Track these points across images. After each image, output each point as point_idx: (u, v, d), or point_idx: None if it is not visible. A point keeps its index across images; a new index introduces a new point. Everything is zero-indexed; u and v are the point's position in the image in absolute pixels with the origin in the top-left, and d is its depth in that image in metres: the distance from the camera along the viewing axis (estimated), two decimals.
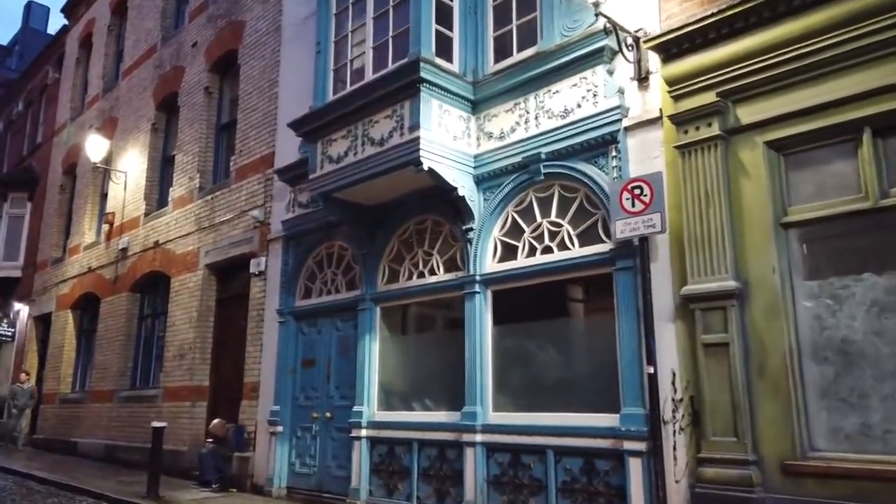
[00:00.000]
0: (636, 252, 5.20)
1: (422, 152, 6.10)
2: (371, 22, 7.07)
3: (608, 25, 5.34)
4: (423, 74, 6.14)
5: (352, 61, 7.26)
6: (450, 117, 6.45)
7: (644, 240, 5.09)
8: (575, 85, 5.85)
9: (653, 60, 5.37)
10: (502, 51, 6.68)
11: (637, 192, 5.08)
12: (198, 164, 11.22)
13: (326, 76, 7.47)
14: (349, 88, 7.06)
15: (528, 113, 6.18)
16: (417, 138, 6.13)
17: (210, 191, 10.75)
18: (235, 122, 10.90)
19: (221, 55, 11.35)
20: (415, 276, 7.14)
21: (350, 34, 7.35)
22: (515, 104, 6.30)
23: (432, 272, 6.96)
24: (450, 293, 6.74)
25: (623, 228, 5.13)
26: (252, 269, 9.29)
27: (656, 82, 5.35)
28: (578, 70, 5.82)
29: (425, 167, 6.12)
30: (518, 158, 6.16)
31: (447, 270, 6.83)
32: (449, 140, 6.35)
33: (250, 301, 9.30)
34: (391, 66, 6.59)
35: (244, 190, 9.92)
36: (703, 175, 4.85)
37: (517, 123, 6.26)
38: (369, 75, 6.93)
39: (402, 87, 6.30)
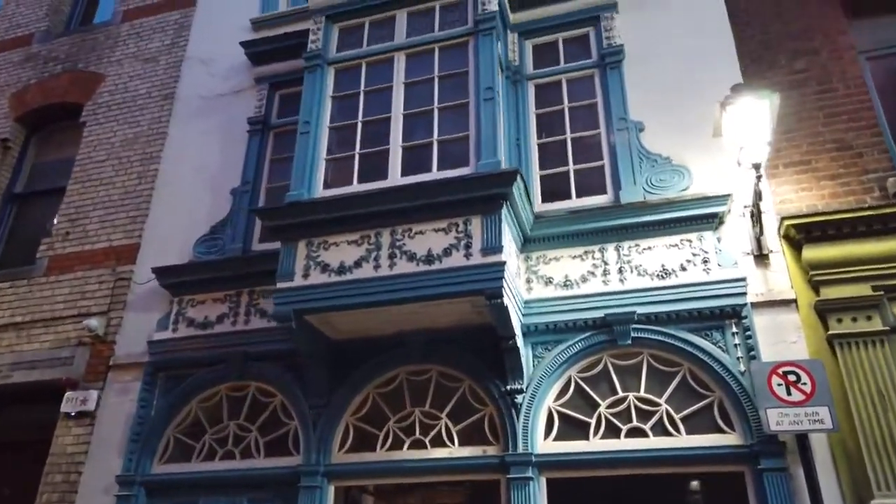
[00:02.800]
0: (786, 450, 4.40)
1: (504, 282, 4.72)
2: (401, 118, 5.74)
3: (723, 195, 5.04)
4: (513, 190, 4.96)
5: (363, 155, 5.69)
6: (513, 248, 5.25)
7: (803, 437, 4.34)
8: (674, 245, 5.23)
9: (772, 237, 5.07)
10: (555, 192, 5.87)
11: (792, 378, 4.42)
12: None
13: (315, 164, 5.72)
14: (374, 185, 5.42)
15: (606, 264, 5.30)
16: (500, 264, 4.76)
17: None
18: (40, 193, 7.88)
19: (43, 106, 8.37)
20: (406, 447, 5.22)
21: (360, 124, 5.85)
22: (586, 251, 5.39)
23: (440, 443, 5.16)
24: (476, 475, 5.00)
25: (780, 420, 4.33)
26: (66, 407, 6.07)
27: (779, 260, 5.01)
28: (678, 231, 5.25)
29: (504, 301, 4.72)
30: (595, 314, 5.13)
31: (465, 443, 5.12)
32: (512, 275, 5.08)
33: (52, 457, 5.93)
34: (455, 172, 5.26)
35: (65, 288, 6.81)
36: (871, 372, 4.43)
37: (591, 273, 5.31)
38: (397, 176, 5.45)
39: (476, 199, 4.99)
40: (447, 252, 4.93)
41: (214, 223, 6.66)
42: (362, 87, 6.05)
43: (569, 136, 6.07)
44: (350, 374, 5.52)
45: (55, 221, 7.31)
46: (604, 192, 5.71)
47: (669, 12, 6.31)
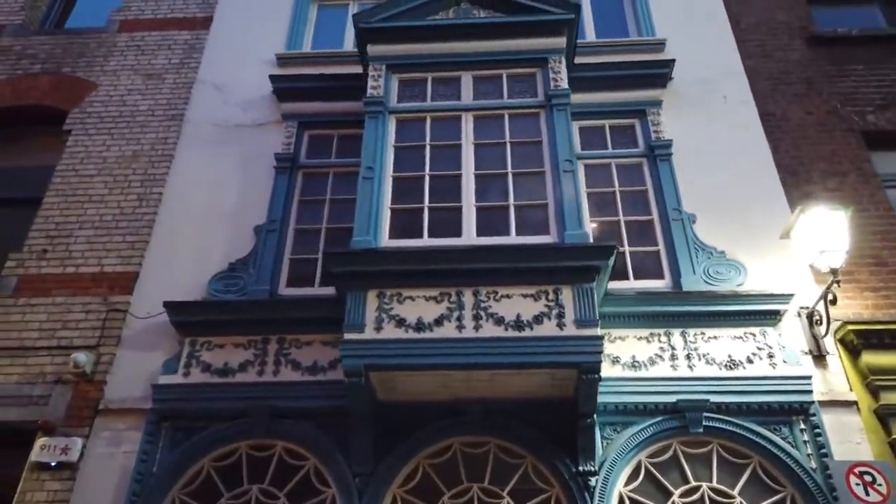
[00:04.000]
0: None
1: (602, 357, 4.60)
2: (472, 178, 5.60)
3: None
4: (608, 263, 4.93)
5: (433, 209, 5.47)
6: None
7: None
8: (739, 338, 5.36)
9: (828, 339, 5.34)
10: (613, 272, 5.88)
11: (868, 479, 4.58)
12: None
13: (380, 212, 5.41)
14: (448, 241, 5.18)
15: (673, 349, 5.32)
16: (597, 338, 4.65)
17: None
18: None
19: (13, 106, 7.43)
20: None
21: (428, 177, 5.65)
22: (652, 334, 5.40)
23: None
24: None
25: None
26: (39, 456, 5.07)
27: (836, 362, 5.26)
28: (741, 324, 5.40)
29: (602, 375, 4.58)
30: (665, 399, 5.08)
31: None
32: None
33: None
34: (537, 238, 5.17)
35: (41, 313, 5.84)
36: None
37: (658, 357, 5.30)
38: (473, 235, 5.27)
39: (569, 269, 4.89)
40: (538, 319, 4.75)
41: (233, 260, 6.06)
42: (428, 140, 5.90)
43: (622, 218, 6.17)
44: (399, 441, 5.06)
45: (32, 236, 6.31)
46: (661, 276, 5.81)
47: (711, 114, 6.73)
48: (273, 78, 7.15)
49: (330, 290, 5.77)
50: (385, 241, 5.26)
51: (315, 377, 5.33)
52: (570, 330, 4.68)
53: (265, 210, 6.38)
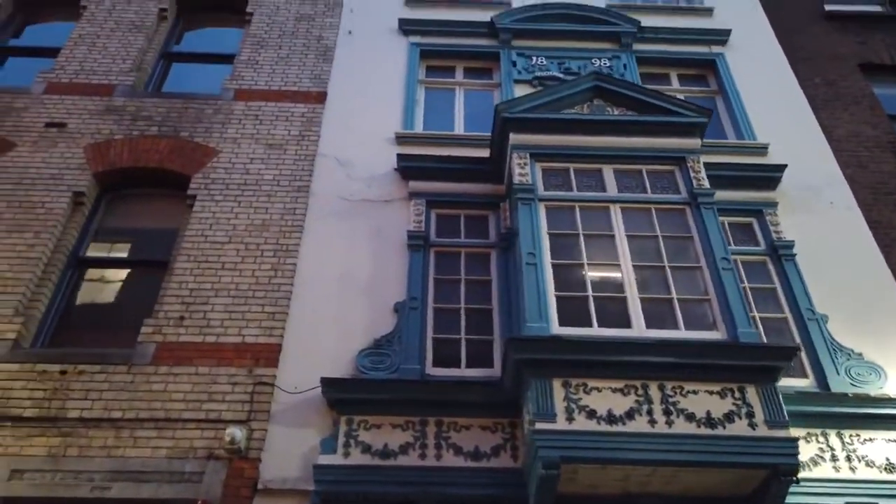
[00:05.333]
0: None
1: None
2: (632, 270, 5.75)
3: None
4: (790, 364, 5.06)
5: (597, 298, 5.57)
6: None
7: None
8: (893, 441, 5.49)
9: None
10: None
11: None
12: (24, 297, 6.17)
13: (547, 299, 5.49)
14: (619, 332, 5.29)
15: (832, 449, 5.41)
16: (793, 440, 4.76)
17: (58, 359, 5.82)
18: (114, 262, 6.84)
19: (131, 167, 7.40)
20: None
21: (587, 266, 5.78)
22: (809, 434, 5.47)
23: None
24: None
25: None
26: None
27: None
28: (892, 427, 5.55)
29: (798, 476, 4.64)
30: (835, 501, 5.15)
31: None
32: None
33: None
34: (708, 335, 5.30)
35: (185, 384, 5.68)
36: None
37: (819, 457, 5.37)
38: (643, 327, 5.38)
39: (752, 368, 5.02)
40: (728, 418, 4.83)
41: (378, 337, 6.03)
42: (580, 229, 6.05)
43: (756, 314, 6.34)
44: None
45: (166, 299, 6.20)
46: (805, 376, 5.95)
47: (820, 218, 7.08)
48: (400, 157, 7.30)
49: (477, 373, 5.82)
50: (556, 328, 5.32)
51: (479, 463, 5.26)
52: (763, 430, 4.76)
53: (400, 286, 6.41)
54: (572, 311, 5.49)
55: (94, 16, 9.06)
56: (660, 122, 6.66)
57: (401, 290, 6.39)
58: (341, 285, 6.43)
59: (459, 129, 8.20)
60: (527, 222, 5.98)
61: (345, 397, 5.52)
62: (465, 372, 5.90)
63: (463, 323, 6.24)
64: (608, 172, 6.48)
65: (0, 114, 7.68)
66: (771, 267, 6.71)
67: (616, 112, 6.89)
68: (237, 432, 5.24)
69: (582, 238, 5.97)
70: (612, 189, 6.35)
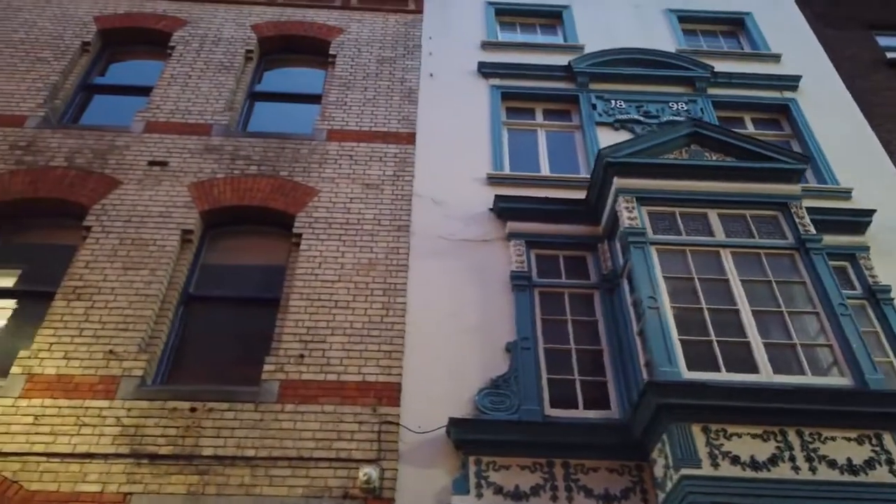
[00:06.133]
0: None
1: None
2: (751, 314, 5.87)
3: None
4: None
5: (720, 342, 5.67)
6: None
7: None
8: None
9: None
10: None
11: None
12: (145, 334, 6.29)
13: (673, 343, 5.60)
14: (748, 377, 5.38)
15: None
16: None
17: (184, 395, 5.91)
18: (221, 300, 6.95)
19: (235, 206, 7.57)
20: None
21: (707, 311, 5.90)
22: None
23: None
24: None
25: None
26: None
27: None
28: None
29: None
30: None
31: None
32: None
33: None
34: (837, 381, 5.40)
35: (312, 422, 5.77)
36: None
37: None
38: (770, 373, 5.46)
39: (888, 415, 5.10)
40: (870, 465, 4.90)
41: (494, 377, 6.14)
42: (694, 273, 6.17)
43: None
44: None
45: (284, 332, 6.32)
46: None
47: None
48: (498, 198, 7.47)
49: (596, 414, 5.91)
50: (686, 372, 5.42)
51: None
52: None
53: (508, 326, 6.53)
54: (697, 356, 5.59)
55: (183, 56, 9.32)
56: (764, 168, 6.83)
57: (509, 330, 6.51)
58: (451, 324, 6.54)
59: (545, 169, 8.39)
60: (641, 266, 6.11)
61: (471, 438, 5.60)
62: (583, 413, 5.98)
63: (575, 363, 6.33)
64: (713, 217, 6.63)
65: (103, 152, 7.88)
66: (870, 311, 6.81)
67: (714, 157, 7.07)
68: (372, 472, 5.32)
69: (697, 282, 6.08)
70: (719, 233, 6.49)
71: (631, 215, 6.52)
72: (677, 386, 5.20)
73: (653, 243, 6.37)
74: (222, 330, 6.82)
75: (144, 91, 9.06)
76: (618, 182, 6.80)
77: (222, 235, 7.59)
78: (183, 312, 6.79)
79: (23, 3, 9.94)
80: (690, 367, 5.49)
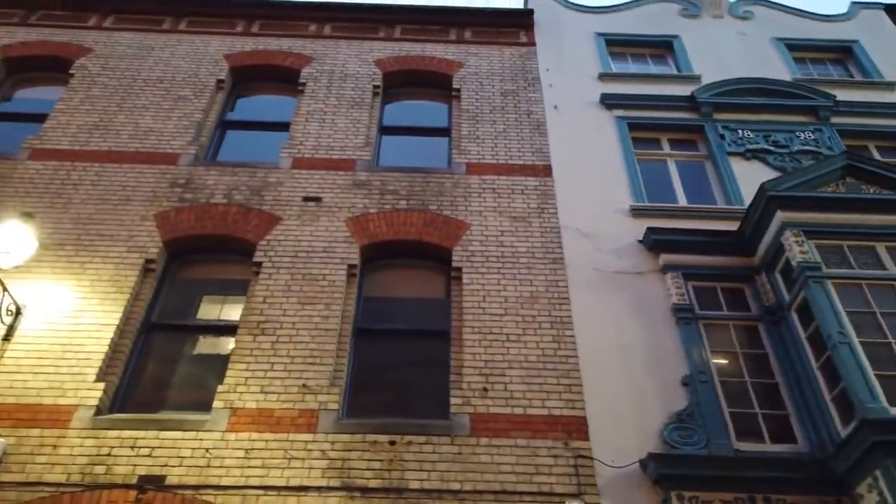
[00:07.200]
0: None
1: None
2: None
3: None
4: None
5: None
6: None
7: None
8: None
9: None
10: None
11: None
12: (332, 367, 6.49)
13: (870, 378, 5.66)
14: None
15: None
16: None
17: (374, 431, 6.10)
18: (388, 333, 7.13)
19: (392, 240, 7.78)
20: None
21: (894, 345, 5.95)
22: None
23: None
24: None
25: None
26: None
27: None
28: None
29: None
30: None
31: None
32: None
33: None
34: None
35: (508, 456, 5.91)
36: None
37: None
38: None
39: None
40: None
41: (676, 410, 6.24)
42: (875, 308, 6.22)
43: None
44: None
45: (462, 368, 6.48)
46: None
47: None
48: (650, 230, 7.60)
49: (783, 448, 5.99)
50: (891, 408, 5.47)
51: None
52: None
53: (677, 359, 6.65)
54: (892, 391, 5.64)
55: (316, 92, 9.63)
56: None
57: (679, 363, 6.61)
58: (622, 357, 6.66)
59: (682, 200, 8.51)
60: (822, 300, 6.19)
61: (670, 472, 5.68)
62: (772, 447, 6.05)
63: (753, 397, 6.40)
64: (881, 250, 6.69)
65: (258, 188, 8.17)
66: None
67: (871, 190, 7.14)
68: None
69: (880, 316, 6.14)
70: (891, 266, 6.55)
71: (802, 249, 6.61)
72: (890, 423, 5.25)
73: (829, 277, 6.44)
74: (394, 362, 7.01)
75: (275, 126, 9.38)
76: (782, 215, 6.90)
77: (376, 269, 7.80)
78: (356, 345, 6.98)
79: (154, 42, 10.33)
80: (892, 403, 5.54)
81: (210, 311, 7.36)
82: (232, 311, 7.10)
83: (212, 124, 9.29)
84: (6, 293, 6.40)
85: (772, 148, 8.98)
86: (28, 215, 6.56)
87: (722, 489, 5.64)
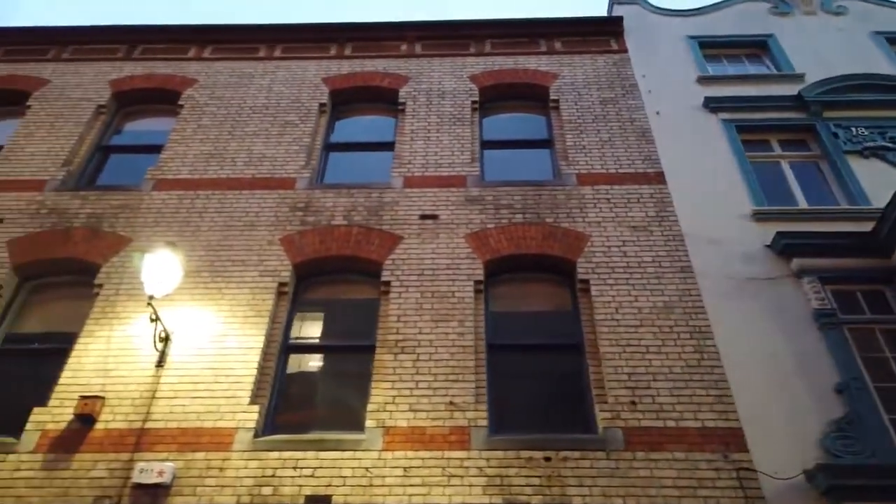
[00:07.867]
0: None
1: None
2: None
3: None
4: None
5: None
6: None
7: None
8: None
9: None
10: None
11: None
12: (475, 384, 6.51)
13: None
14: None
15: None
16: None
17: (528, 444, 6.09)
18: (522, 348, 7.09)
19: (513, 255, 7.78)
20: None
21: None
22: None
23: None
24: None
25: None
26: None
27: None
28: None
29: None
30: None
31: None
32: None
33: None
34: None
35: (667, 469, 5.83)
36: None
37: None
38: None
39: None
40: None
41: (833, 419, 6.08)
42: None
43: None
44: None
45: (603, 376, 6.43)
46: None
47: None
48: (780, 234, 7.44)
49: None
50: None
51: None
52: None
53: (825, 365, 6.48)
54: None
55: (416, 111, 9.74)
56: None
57: (828, 369, 6.45)
58: (767, 366, 6.52)
59: (802, 202, 8.32)
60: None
61: (839, 483, 5.53)
62: None
63: None
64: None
65: (375, 208, 8.28)
66: None
67: None
68: None
69: None
70: None
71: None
72: None
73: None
74: (530, 377, 6.99)
75: (375, 147, 9.52)
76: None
77: (497, 283, 7.81)
78: (491, 361, 6.98)
79: (253, 70, 10.60)
80: None
81: (340, 330, 7.47)
82: (360, 331, 7.17)
83: (319, 147, 9.47)
84: (159, 321, 6.61)
85: (890, 144, 8.73)
86: (172, 244, 6.78)
87: (892, 500, 5.46)
